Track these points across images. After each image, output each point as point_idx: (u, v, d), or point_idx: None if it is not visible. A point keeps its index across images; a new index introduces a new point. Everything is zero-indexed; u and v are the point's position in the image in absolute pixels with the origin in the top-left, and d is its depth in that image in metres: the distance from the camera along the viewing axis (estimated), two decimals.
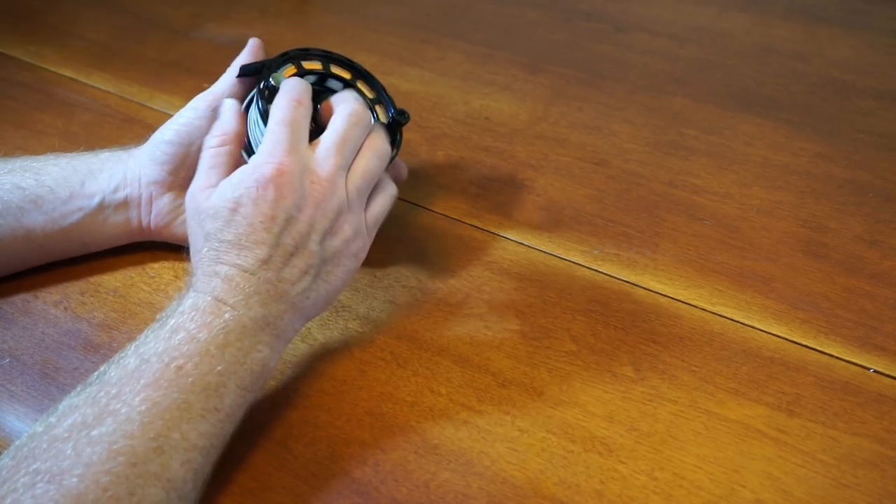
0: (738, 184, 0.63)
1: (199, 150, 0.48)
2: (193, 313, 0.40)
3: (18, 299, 0.51)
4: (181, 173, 0.51)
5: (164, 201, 0.52)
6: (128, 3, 0.95)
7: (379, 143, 0.47)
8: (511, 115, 0.73)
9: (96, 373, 0.39)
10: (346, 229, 0.45)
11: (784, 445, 0.43)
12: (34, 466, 0.34)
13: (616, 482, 0.41)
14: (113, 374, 0.38)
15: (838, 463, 0.42)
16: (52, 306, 0.51)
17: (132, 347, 0.39)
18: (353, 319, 0.51)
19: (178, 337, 0.39)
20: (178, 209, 0.52)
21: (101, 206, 0.51)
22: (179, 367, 0.38)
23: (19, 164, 0.51)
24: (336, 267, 0.44)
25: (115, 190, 0.51)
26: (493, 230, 0.59)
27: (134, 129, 0.70)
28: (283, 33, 0.88)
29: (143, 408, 0.36)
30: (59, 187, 0.50)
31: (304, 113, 0.45)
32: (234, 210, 0.42)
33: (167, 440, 0.36)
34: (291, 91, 0.46)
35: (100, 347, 0.48)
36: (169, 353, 0.38)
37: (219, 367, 0.39)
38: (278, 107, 0.45)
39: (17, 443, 0.35)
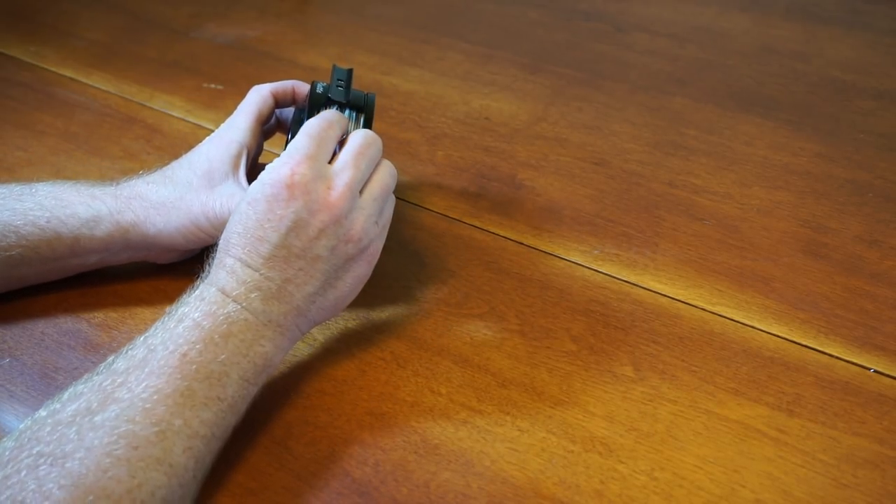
0: (738, 184, 0.63)
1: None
2: (199, 303, 0.41)
3: (19, 299, 0.51)
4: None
5: (175, 254, 0.53)
6: (128, 3, 0.95)
7: (392, 166, 0.49)
8: (511, 115, 0.73)
9: (104, 363, 0.39)
10: (362, 237, 0.45)
11: (784, 445, 0.43)
12: (37, 449, 0.34)
13: (616, 482, 0.41)
14: (120, 364, 0.38)
15: (838, 463, 0.42)
16: (52, 306, 0.51)
17: (141, 339, 0.40)
18: (353, 319, 0.51)
19: (183, 325, 0.40)
20: (190, 251, 0.53)
21: (101, 261, 0.51)
22: (184, 354, 0.38)
23: None
24: (347, 273, 0.45)
25: (117, 252, 0.50)
26: (493, 230, 0.59)
27: (134, 129, 0.70)
28: (284, 33, 0.88)
29: (146, 394, 0.37)
30: (44, 247, 0.48)
31: (332, 135, 0.46)
32: (249, 205, 0.43)
33: (170, 426, 0.36)
34: (328, 115, 0.47)
35: (100, 347, 0.48)
36: (174, 340, 0.39)
37: (222, 357, 0.39)
38: (310, 124, 0.46)
39: (21, 426, 0.36)
